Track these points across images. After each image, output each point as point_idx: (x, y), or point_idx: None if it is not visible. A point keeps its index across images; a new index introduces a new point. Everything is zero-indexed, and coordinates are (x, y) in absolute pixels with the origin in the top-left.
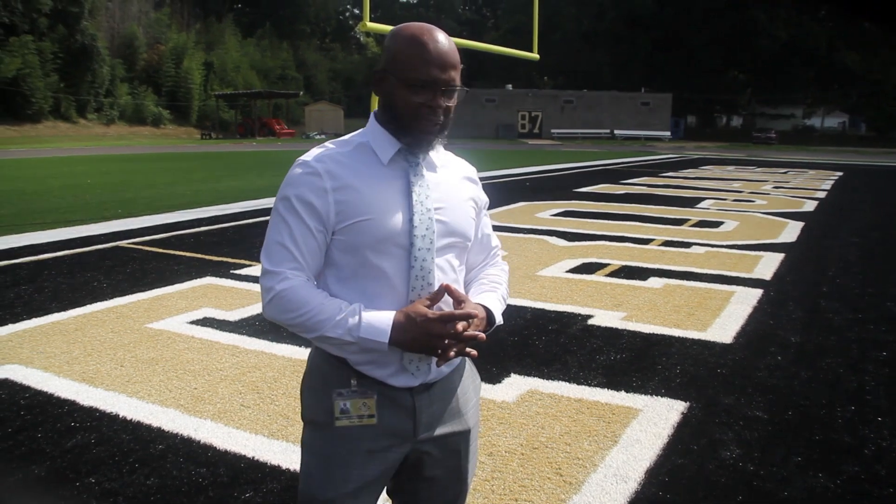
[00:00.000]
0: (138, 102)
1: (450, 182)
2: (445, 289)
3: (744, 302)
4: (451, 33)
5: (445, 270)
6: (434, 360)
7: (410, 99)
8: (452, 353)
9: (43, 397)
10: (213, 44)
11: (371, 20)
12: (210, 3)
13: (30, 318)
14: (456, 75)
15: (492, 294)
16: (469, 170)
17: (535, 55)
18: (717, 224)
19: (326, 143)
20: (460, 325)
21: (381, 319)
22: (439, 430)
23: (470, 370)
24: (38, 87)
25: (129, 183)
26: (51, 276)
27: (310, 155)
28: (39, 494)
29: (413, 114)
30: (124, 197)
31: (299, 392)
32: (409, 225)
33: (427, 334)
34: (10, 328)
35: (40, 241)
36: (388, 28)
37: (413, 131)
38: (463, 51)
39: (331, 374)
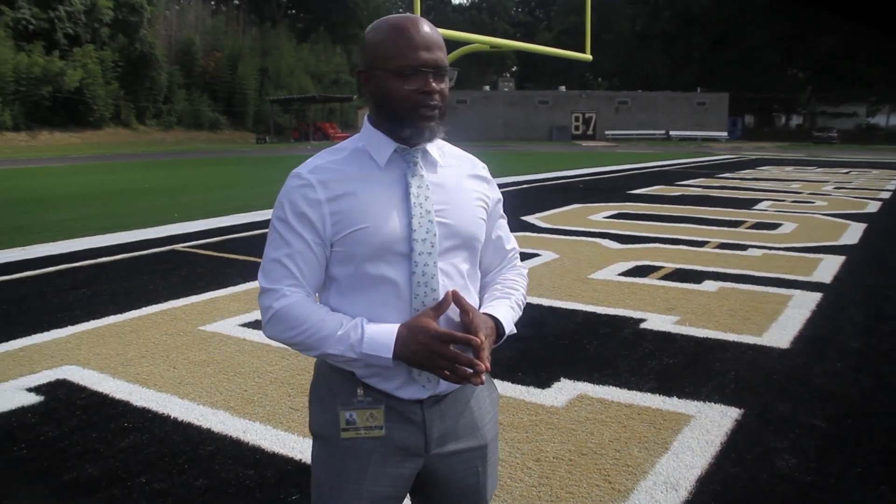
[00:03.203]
0: (195, 108)
1: (454, 180)
2: (452, 296)
3: (802, 306)
4: (503, 35)
5: (451, 276)
6: None
7: (403, 88)
8: (453, 376)
9: (98, 398)
10: (268, 49)
11: None
12: (265, 9)
13: (87, 320)
14: (443, 56)
15: (503, 301)
16: (478, 166)
17: (587, 56)
18: (774, 226)
19: (321, 153)
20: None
21: (383, 334)
22: (453, 446)
23: (486, 383)
24: (99, 95)
25: (185, 187)
26: (108, 279)
27: (304, 167)
28: (91, 493)
29: (409, 103)
30: (180, 201)
31: (308, 404)
32: (407, 230)
33: (429, 351)
34: (69, 329)
35: (99, 245)
36: (442, 32)
37: (412, 121)
38: (516, 53)
39: (338, 385)
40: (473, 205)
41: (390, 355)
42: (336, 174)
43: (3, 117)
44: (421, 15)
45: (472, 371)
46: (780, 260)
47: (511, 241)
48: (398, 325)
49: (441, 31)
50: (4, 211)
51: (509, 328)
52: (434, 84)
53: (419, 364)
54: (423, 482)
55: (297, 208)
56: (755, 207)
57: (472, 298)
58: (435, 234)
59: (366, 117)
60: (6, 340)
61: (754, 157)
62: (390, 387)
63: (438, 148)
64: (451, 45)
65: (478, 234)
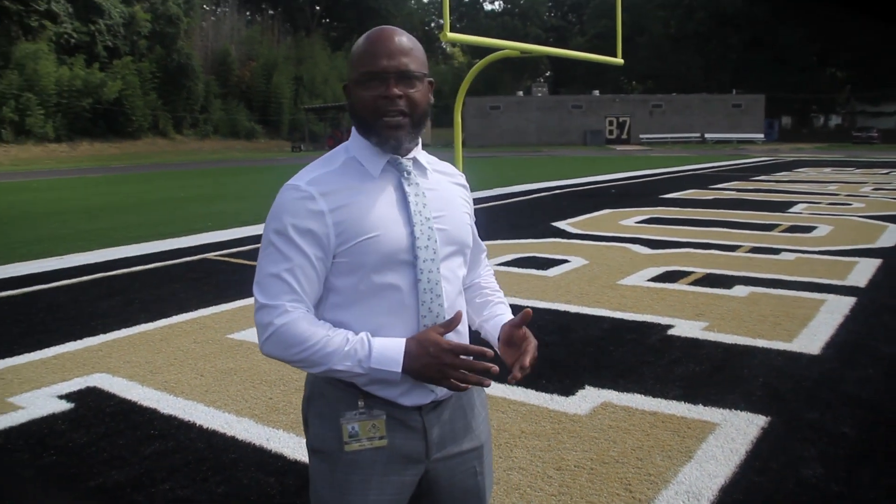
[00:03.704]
0: (231, 117)
1: (444, 188)
2: (523, 315)
3: (835, 311)
4: (536, 40)
5: (451, 281)
6: None
7: (365, 95)
8: (464, 385)
9: (126, 405)
10: (303, 58)
11: (457, 30)
12: (299, 18)
13: (119, 328)
14: (409, 61)
15: (504, 308)
16: (458, 174)
17: (619, 60)
18: (809, 229)
19: (312, 164)
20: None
21: (391, 348)
22: (452, 449)
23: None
24: (137, 106)
25: (219, 196)
26: (141, 287)
27: (299, 178)
28: (116, 499)
29: (372, 110)
30: (214, 210)
31: (302, 419)
32: (410, 238)
33: (439, 364)
34: (101, 338)
35: (133, 254)
36: (471, 38)
37: (376, 128)
38: (549, 58)
39: (336, 398)
40: (462, 211)
41: (399, 370)
42: (334, 185)
43: (45, 129)
44: (452, 21)
45: (483, 377)
46: (814, 264)
47: (483, 245)
48: (405, 339)
49: (473, 37)
50: (45, 221)
51: None
52: (396, 89)
53: (428, 378)
54: (426, 489)
55: (298, 222)
56: (790, 210)
57: (463, 302)
58: (436, 241)
59: (353, 127)
60: (41, 348)
61: (791, 158)
62: (393, 394)
63: (423, 155)
64: (483, 51)
65: (468, 239)
